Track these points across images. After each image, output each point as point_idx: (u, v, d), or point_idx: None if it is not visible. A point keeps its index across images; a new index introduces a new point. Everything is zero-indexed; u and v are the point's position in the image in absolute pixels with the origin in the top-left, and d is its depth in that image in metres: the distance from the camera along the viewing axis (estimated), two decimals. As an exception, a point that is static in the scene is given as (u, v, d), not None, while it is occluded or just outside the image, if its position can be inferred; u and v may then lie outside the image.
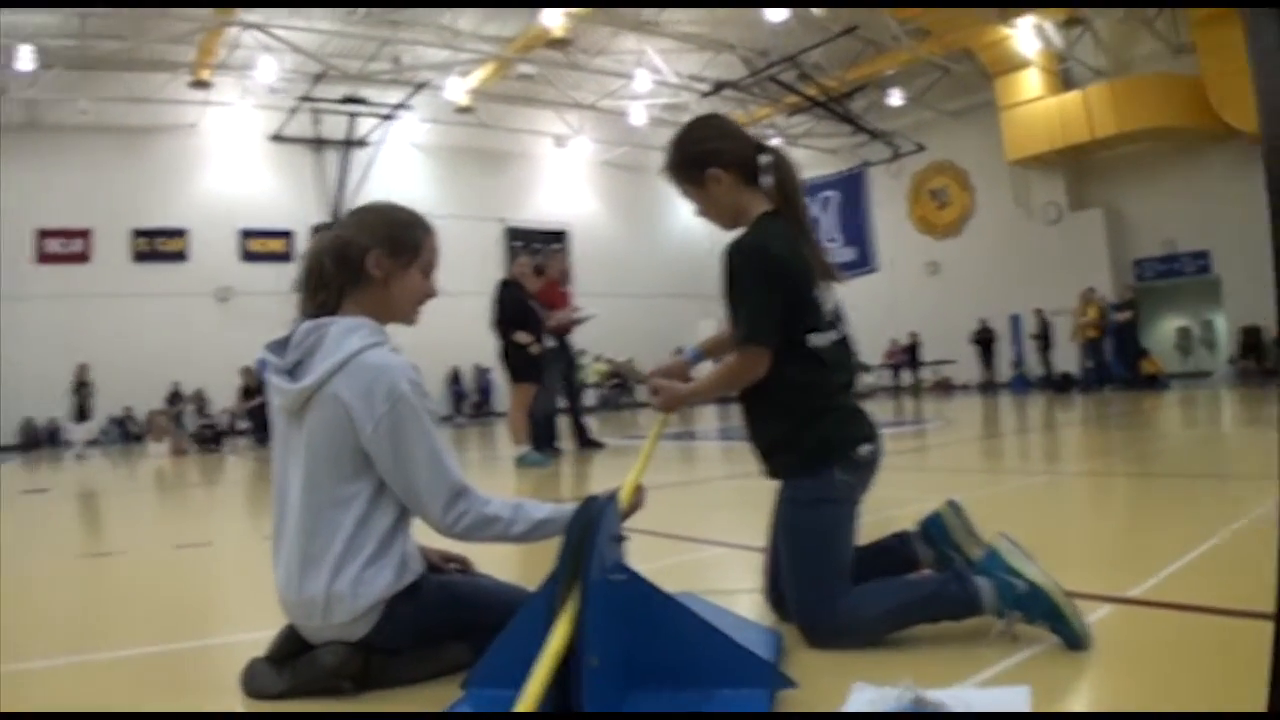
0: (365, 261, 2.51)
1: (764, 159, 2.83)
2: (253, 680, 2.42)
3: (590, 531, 2.00)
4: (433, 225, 2.68)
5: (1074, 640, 2.42)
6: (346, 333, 2.43)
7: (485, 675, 2.19)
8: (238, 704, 2.39)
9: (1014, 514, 4.80)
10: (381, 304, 2.56)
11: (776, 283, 2.68)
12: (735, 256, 2.71)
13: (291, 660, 2.41)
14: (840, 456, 2.72)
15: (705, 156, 2.83)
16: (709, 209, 2.90)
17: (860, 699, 2.07)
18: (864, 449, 2.75)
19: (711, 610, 2.77)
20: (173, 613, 3.77)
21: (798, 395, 2.75)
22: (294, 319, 2.55)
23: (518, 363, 9.81)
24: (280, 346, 2.52)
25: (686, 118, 3.12)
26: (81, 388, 19.62)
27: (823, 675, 2.30)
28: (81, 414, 20.67)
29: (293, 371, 2.46)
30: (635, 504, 2.65)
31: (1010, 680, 2.19)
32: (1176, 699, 2.07)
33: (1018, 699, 2.05)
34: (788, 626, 2.71)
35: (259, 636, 2.54)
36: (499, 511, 2.46)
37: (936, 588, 2.58)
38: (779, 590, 2.80)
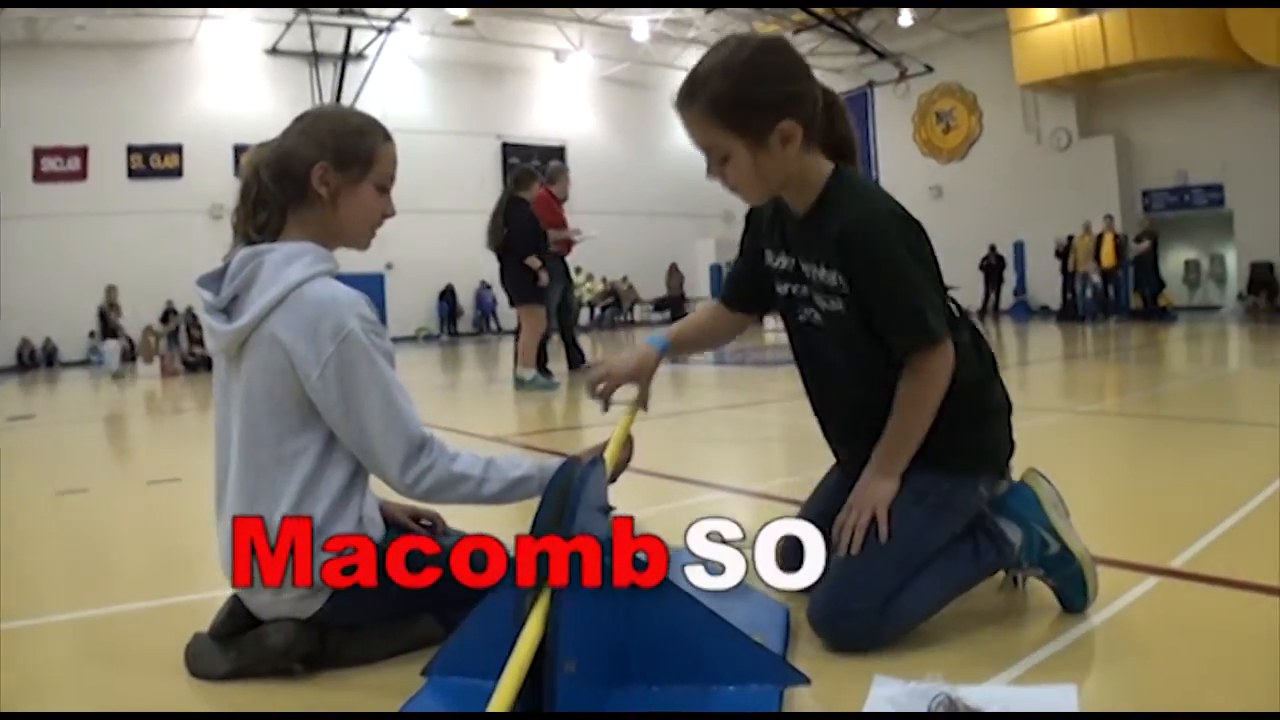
0: (310, 176, 2.14)
1: (835, 104, 2.27)
2: (196, 659, 2.14)
3: (569, 504, 1.71)
4: (390, 133, 2.28)
5: (1077, 608, 2.24)
6: (286, 261, 2.07)
7: (449, 662, 1.93)
8: (182, 683, 2.11)
9: (1028, 457, 4.49)
10: (329, 225, 2.19)
11: (926, 253, 2.20)
12: (878, 236, 2.15)
13: (237, 637, 2.11)
14: (993, 469, 2.34)
15: (785, 101, 2.13)
16: (750, 177, 2.20)
17: (883, 696, 1.80)
18: (1011, 462, 2.40)
19: (709, 577, 2.51)
20: (132, 564, 3.53)
21: (972, 385, 2.29)
22: (230, 245, 2.19)
23: (524, 286, 9.47)
24: (214, 280, 2.16)
25: (691, 33, 2.50)
26: (111, 309, 19.27)
27: (837, 667, 2.02)
28: (109, 333, 20.24)
29: (228, 309, 2.12)
30: (623, 461, 2.34)
31: (1050, 674, 1.93)
32: (1242, 696, 1.80)
33: (1064, 700, 1.77)
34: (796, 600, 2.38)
35: (219, 595, 2.23)
36: (468, 469, 2.13)
37: (977, 568, 2.25)
38: None
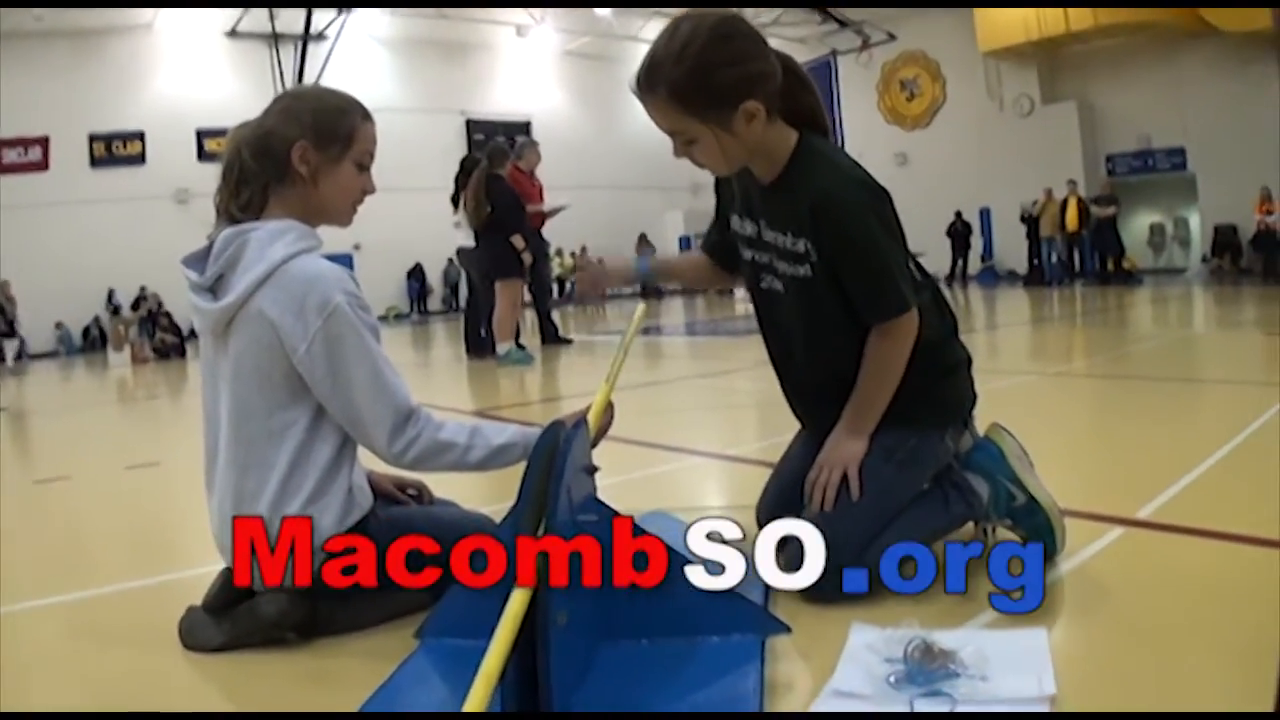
0: (290, 155, 2.16)
1: (795, 71, 2.29)
2: (190, 632, 2.18)
3: (555, 465, 1.76)
4: (370, 112, 2.31)
5: (1048, 553, 2.29)
6: (271, 239, 2.11)
7: (441, 624, 1.98)
8: (177, 656, 2.15)
9: (997, 418, 4.57)
10: (311, 204, 2.22)
11: (893, 220, 2.25)
12: (849, 208, 2.19)
13: (230, 609, 2.15)
14: (957, 420, 2.41)
15: (747, 83, 2.14)
16: (716, 156, 2.23)
17: (860, 643, 1.86)
18: (973, 410, 2.48)
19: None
20: (116, 546, 3.55)
21: (935, 344, 2.35)
22: (214, 224, 2.22)
23: (505, 261, 9.51)
24: (199, 259, 2.19)
25: (652, 8, 2.43)
26: (7, 304, 19.09)
27: (816, 616, 2.08)
28: (6, 329, 19.90)
29: (214, 288, 2.15)
30: (605, 425, 2.38)
31: (1021, 620, 1.97)
32: (1207, 640, 1.89)
33: (1035, 643, 1.84)
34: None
35: (206, 572, 2.28)
36: (453, 436, 2.17)
37: (947, 519, 2.32)
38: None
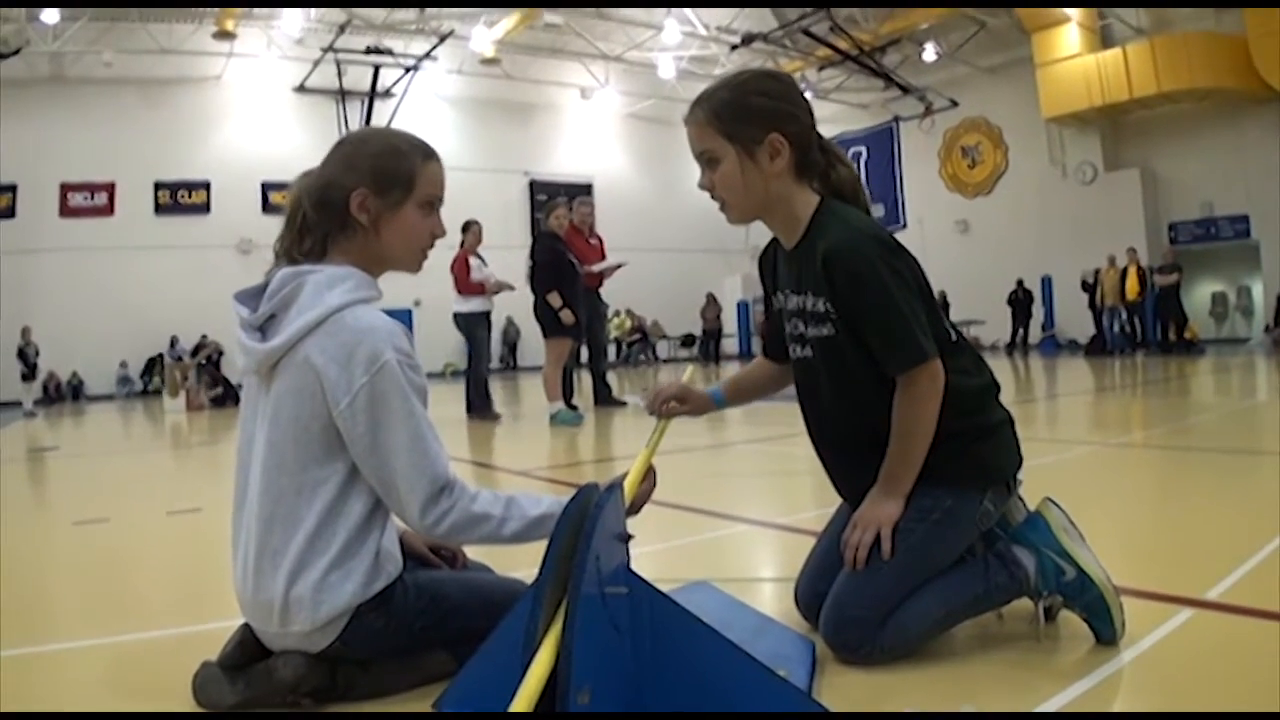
0: (349, 204, 2.10)
1: (831, 148, 2.39)
2: (203, 689, 2.08)
3: (585, 529, 1.66)
4: (433, 150, 2.22)
5: (1107, 638, 2.20)
6: (329, 284, 2.03)
7: (461, 695, 1.88)
8: (189, 712, 2.06)
9: (1056, 491, 4.42)
10: (372, 252, 2.15)
11: (911, 280, 2.24)
12: (858, 258, 2.20)
13: (246, 668, 2.05)
14: (998, 483, 2.33)
15: (777, 116, 2.28)
16: (736, 183, 2.32)
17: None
18: (1019, 476, 2.40)
19: (732, 609, 2.47)
20: (148, 593, 3.48)
21: (972, 400, 2.32)
22: (273, 265, 2.15)
23: (547, 318, 9.62)
24: (253, 297, 2.13)
25: (716, 71, 2.59)
26: (26, 348, 19.30)
27: (865, 701, 1.96)
28: (30, 374, 19.94)
29: (264, 327, 2.09)
30: (644, 492, 2.28)
31: (1087, 706, 1.87)
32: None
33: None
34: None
35: (232, 625, 2.18)
36: (488, 508, 2.06)
37: (985, 587, 2.24)
38: (817, 598, 2.34)
